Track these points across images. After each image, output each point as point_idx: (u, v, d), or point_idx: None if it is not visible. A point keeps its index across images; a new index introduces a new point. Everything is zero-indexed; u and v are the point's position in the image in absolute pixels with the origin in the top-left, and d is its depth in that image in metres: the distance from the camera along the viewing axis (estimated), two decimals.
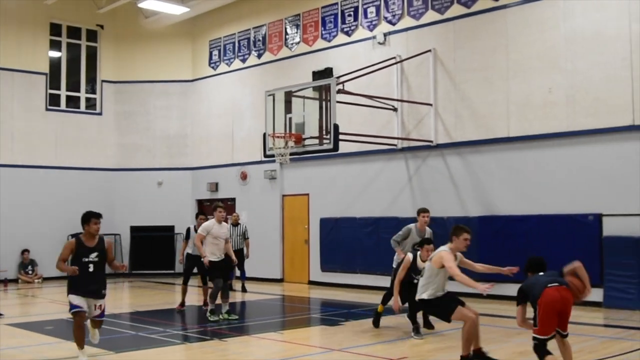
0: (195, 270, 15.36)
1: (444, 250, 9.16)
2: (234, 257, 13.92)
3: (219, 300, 13.45)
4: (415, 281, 11.20)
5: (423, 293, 9.31)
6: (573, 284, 7.78)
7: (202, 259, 13.47)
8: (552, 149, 15.61)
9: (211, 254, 13.29)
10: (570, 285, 7.73)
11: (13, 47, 23.06)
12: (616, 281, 14.44)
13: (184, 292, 15.27)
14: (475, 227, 16.60)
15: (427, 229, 12.89)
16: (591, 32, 15.08)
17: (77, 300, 9.38)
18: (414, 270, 11.45)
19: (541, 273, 7.95)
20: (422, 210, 13.00)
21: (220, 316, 13.35)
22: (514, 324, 8.45)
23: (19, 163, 22.95)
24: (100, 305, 9.64)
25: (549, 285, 7.66)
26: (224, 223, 13.60)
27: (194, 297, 16.73)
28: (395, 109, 18.42)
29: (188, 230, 15.73)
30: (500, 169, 16.45)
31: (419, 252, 11.59)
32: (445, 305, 9.03)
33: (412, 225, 12.88)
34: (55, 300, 17.41)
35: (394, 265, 12.44)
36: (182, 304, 15.17)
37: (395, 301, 11.34)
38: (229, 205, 23.39)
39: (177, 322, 13.85)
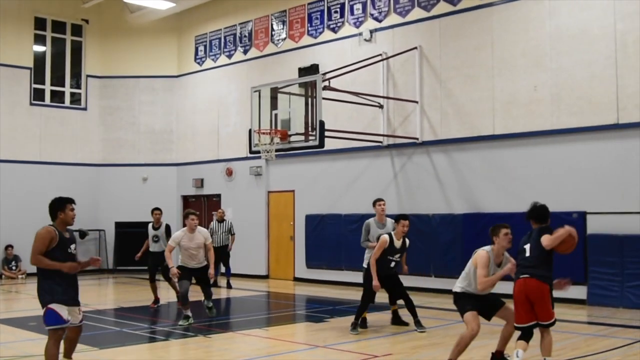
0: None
1: (483, 250, 8.90)
2: (212, 269, 12.54)
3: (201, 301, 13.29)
4: (393, 264, 11.57)
5: (457, 285, 9.04)
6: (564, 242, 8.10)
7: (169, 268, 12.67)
8: (537, 146, 15.68)
9: (185, 262, 12.49)
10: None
11: None
12: (600, 279, 14.53)
13: (154, 289, 15.18)
14: (459, 224, 16.72)
15: (388, 218, 12.66)
16: (576, 30, 15.15)
17: (64, 311, 7.65)
18: (390, 251, 11.50)
19: (535, 227, 8.36)
20: (377, 200, 12.92)
21: (205, 303, 12.74)
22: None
23: (2, 158, 22.80)
24: (81, 309, 8.10)
25: (520, 276, 8.13)
26: (197, 232, 12.37)
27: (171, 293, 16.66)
28: (381, 106, 18.44)
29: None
30: (485, 167, 16.52)
31: (393, 232, 11.61)
32: (463, 304, 8.80)
33: (370, 220, 12.75)
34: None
35: (364, 265, 12.19)
36: (156, 300, 15.10)
37: (374, 279, 11.40)
38: (214, 201, 23.39)
39: (162, 319, 13.83)
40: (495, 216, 15.95)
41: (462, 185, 16.92)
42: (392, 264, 11.63)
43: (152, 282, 15.17)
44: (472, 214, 16.59)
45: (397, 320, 12.31)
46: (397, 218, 11.82)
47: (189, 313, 12.29)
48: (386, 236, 11.58)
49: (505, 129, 16.18)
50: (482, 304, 8.74)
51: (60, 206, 8.17)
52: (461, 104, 16.99)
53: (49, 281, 7.66)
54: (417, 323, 11.62)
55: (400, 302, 12.15)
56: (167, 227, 15.41)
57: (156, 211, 15.66)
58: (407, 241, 11.89)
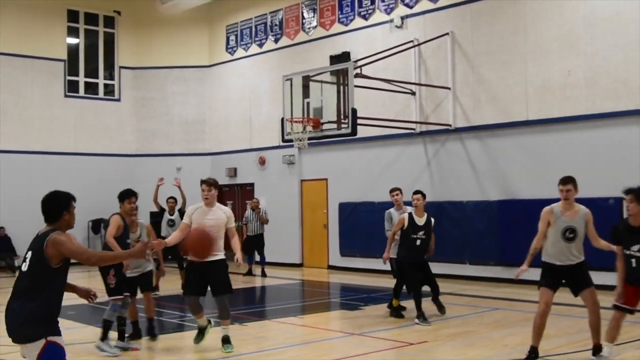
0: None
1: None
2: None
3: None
4: (419, 242, 11.36)
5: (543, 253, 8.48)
6: None
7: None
8: (572, 131, 15.51)
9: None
10: None
11: (31, 34, 23.16)
12: None
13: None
14: (494, 211, 16.61)
15: (408, 207, 12.39)
16: (611, 13, 14.93)
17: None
18: (413, 230, 11.38)
19: None
20: (391, 190, 12.88)
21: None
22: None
23: (38, 149, 23.10)
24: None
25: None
26: (217, 207, 9.53)
27: None
28: (413, 93, 18.36)
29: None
30: (519, 153, 16.37)
31: (413, 211, 11.49)
32: (541, 276, 8.36)
33: (390, 209, 12.76)
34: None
35: (393, 255, 12.19)
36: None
37: (386, 252, 11.79)
38: (247, 190, 23.49)
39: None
40: (530, 202, 15.83)
41: (496, 172, 16.80)
42: (418, 242, 11.38)
43: (181, 270, 15.17)
44: (507, 201, 16.47)
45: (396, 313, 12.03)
46: (389, 192, 12.17)
47: (204, 322, 9.59)
48: (405, 215, 11.56)
49: (539, 114, 16.02)
50: (568, 278, 8.32)
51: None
52: (494, 89, 16.85)
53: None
54: (439, 306, 11.67)
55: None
56: (181, 211, 15.55)
57: (170, 200, 16.18)
58: (433, 220, 11.63)
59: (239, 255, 9.25)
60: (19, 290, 5.53)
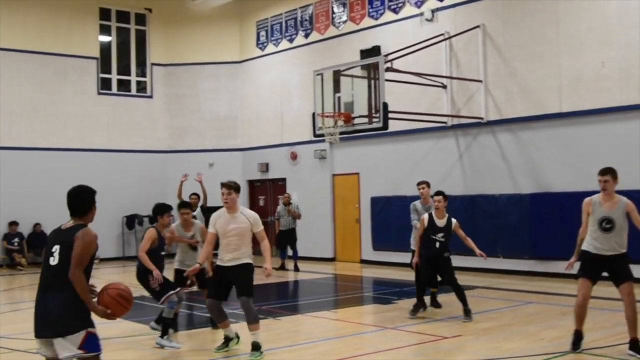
0: None
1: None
2: (269, 263, 8.73)
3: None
4: (438, 244, 11.19)
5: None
6: None
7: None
8: (606, 123, 15.35)
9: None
10: None
11: (64, 32, 23.42)
12: None
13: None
14: (527, 204, 16.51)
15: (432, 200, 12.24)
16: None
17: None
18: (432, 230, 11.24)
19: None
20: (418, 183, 12.65)
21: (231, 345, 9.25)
22: (571, 302, 8.34)
23: (71, 146, 23.37)
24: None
25: None
26: (240, 212, 8.91)
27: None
28: (444, 86, 18.28)
29: None
30: (552, 145, 16.24)
31: (433, 212, 11.39)
32: (580, 266, 8.43)
33: (416, 202, 12.52)
34: (112, 280, 17.70)
35: (411, 247, 12.24)
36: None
37: (415, 257, 11.62)
38: (279, 185, 23.56)
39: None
40: (563, 195, 15.72)
41: (529, 165, 16.69)
42: (437, 244, 11.21)
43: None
44: (540, 194, 16.35)
45: (434, 303, 12.08)
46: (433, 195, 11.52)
47: (230, 332, 9.21)
48: (425, 215, 11.46)
49: (573, 106, 15.87)
50: (607, 269, 8.35)
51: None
52: (526, 82, 16.73)
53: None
54: (466, 312, 11.01)
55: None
56: (203, 207, 15.73)
57: (193, 196, 15.91)
58: (454, 221, 11.41)
59: (267, 265, 8.67)
60: (51, 284, 5.60)
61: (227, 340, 9.10)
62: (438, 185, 18.29)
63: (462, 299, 11.13)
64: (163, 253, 9.99)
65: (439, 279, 11.66)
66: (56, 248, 5.66)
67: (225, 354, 8.91)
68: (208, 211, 13.65)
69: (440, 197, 11.27)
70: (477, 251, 11.26)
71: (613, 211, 8.31)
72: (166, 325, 9.64)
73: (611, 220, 8.28)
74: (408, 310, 11.44)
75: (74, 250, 5.57)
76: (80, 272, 5.55)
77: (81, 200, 5.98)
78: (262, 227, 8.93)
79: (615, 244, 8.28)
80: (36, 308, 5.61)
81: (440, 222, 11.32)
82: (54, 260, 5.62)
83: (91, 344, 5.60)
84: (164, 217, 10.14)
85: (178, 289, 9.91)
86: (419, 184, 12.64)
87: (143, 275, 9.80)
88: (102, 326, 10.84)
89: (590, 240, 8.42)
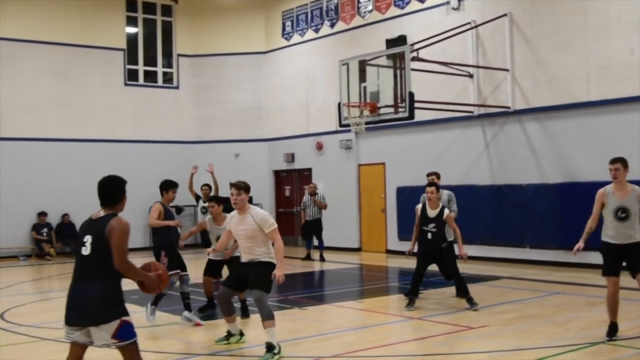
0: None
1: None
2: (280, 269, 8.25)
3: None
4: (429, 235, 11.23)
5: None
6: None
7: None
8: (635, 112, 15.15)
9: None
10: None
11: (91, 24, 23.58)
12: None
13: None
14: (554, 194, 16.38)
15: (445, 191, 12.48)
16: None
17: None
18: (424, 221, 11.30)
19: None
20: (428, 174, 12.74)
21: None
22: (598, 292, 8.29)
23: (99, 137, 23.55)
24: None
25: None
26: (249, 213, 8.43)
27: None
28: (470, 76, 18.17)
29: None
30: (581, 134, 16.08)
31: (426, 202, 11.41)
32: (603, 262, 8.70)
33: (424, 194, 12.11)
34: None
35: None
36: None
37: (411, 244, 11.69)
38: (305, 175, 23.60)
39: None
40: (591, 185, 15.51)
41: (557, 154, 16.55)
42: (429, 235, 11.22)
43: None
44: (568, 184, 16.22)
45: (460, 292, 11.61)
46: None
47: (234, 328, 8.98)
48: (419, 205, 11.57)
49: (601, 94, 15.70)
50: (626, 258, 8.56)
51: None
52: (554, 70, 16.57)
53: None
54: (469, 301, 11.06)
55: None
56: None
57: (205, 187, 16.47)
58: (446, 211, 11.32)
59: (277, 271, 8.24)
60: (84, 274, 5.68)
61: (229, 335, 8.91)
62: (465, 175, 18.29)
63: (464, 289, 11.20)
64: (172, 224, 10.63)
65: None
66: (87, 238, 5.73)
67: (235, 349, 8.92)
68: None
69: (432, 189, 11.29)
70: (461, 250, 11.19)
71: (626, 200, 8.51)
72: (157, 298, 10.35)
73: (626, 209, 8.47)
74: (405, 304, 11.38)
75: (113, 242, 5.64)
76: (126, 260, 5.68)
77: (111, 190, 6.05)
78: (273, 226, 8.32)
79: (631, 231, 8.47)
80: (69, 297, 5.70)
81: (432, 213, 11.31)
82: (86, 251, 5.71)
83: (125, 332, 5.67)
84: (169, 193, 10.82)
85: (178, 270, 10.44)
86: (428, 175, 12.70)
87: (157, 250, 10.56)
88: (132, 315, 10.94)
89: (608, 231, 8.60)
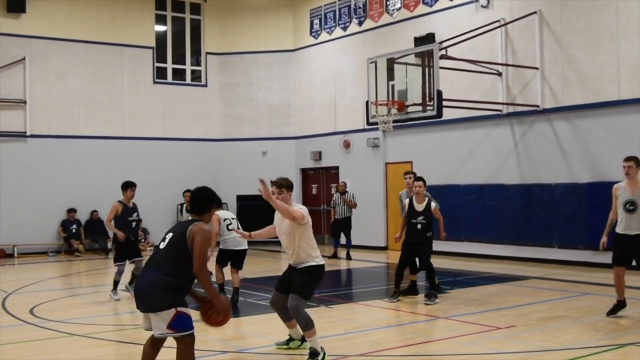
0: None
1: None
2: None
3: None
4: (419, 226, 11.96)
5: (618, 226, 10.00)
6: None
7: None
8: None
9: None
10: None
11: (121, 22, 23.75)
12: None
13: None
14: (583, 194, 16.24)
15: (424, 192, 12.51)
16: None
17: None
18: (412, 214, 11.98)
19: None
20: (404, 173, 13.48)
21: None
22: (629, 294, 8.19)
23: (128, 135, 23.72)
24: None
25: None
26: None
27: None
28: (499, 74, 18.05)
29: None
30: (610, 133, 15.92)
31: (414, 197, 12.10)
32: (613, 252, 9.97)
33: (402, 191, 13.48)
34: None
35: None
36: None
37: (398, 233, 12.59)
38: (332, 173, 23.60)
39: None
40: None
41: (586, 154, 16.39)
42: (419, 226, 11.94)
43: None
44: (597, 183, 16.05)
45: (411, 290, 12.55)
46: None
47: (295, 333, 8.57)
48: (406, 200, 12.30)
49: (632, 93, 15.52)
50: (634, 251, 9.87)
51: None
52: (584, 69, 16.42)
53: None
54: (429, 295, 11.81)
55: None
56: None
57: (187, 193, 15.90)
58: (433, 204, 12.09)
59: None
60: (152, 264, 6.23)
61: (290, 339, 8.63)
62: (493, 174, 18.18)
63: (431, 280, 12.00)
64: (130, 219, 12.86)
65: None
66: (169, 235, 6.32)
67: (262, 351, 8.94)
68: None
69: (420, 183, 12.02)
70: (442, 232, 12.42)
71: (636, 194, 9.67)
72: (115, 283, 12.76)
73: (634, 202, 9.66)
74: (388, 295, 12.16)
75: (195, 246, 6.08)
76: (205, 266, 6.11)
77: (202, 200, 6.52)
78: (303, 222, 7.99)
79: (638, 223, 9.65)
80: (139, 283, 6.28)
81: (420, 207, 12.01)
82: (163, 244, 6.28)
83: (180, 323, 6.05)
84: (127, 192, 12.83)
85: (126, 260, 12.81)
86: (405, 174, 13.44)
87: (116, 239, 12.80)
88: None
89: (619, 222, 9.84)
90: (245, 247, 12.21)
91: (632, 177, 9.78)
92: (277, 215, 8.25)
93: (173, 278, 6.07)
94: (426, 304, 11.52)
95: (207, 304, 6.34)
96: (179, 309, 6.06)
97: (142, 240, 22.98)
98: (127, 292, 12.82)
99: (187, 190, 15.60)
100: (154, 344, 6.34)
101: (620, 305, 10.04)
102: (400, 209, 13.16)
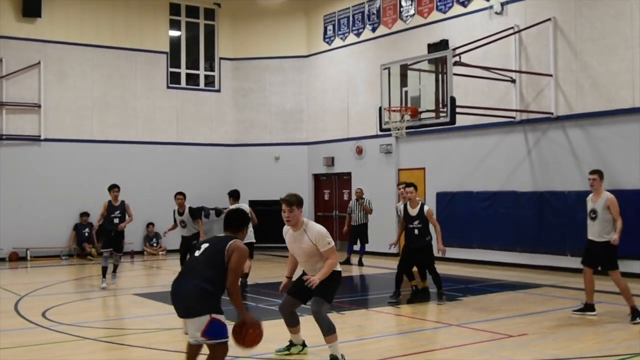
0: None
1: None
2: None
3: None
4: (416, 231, 12.43)
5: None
6: None
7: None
8: None
9: None
10: None
11: (135, 27, 23.85)
12: None
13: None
14: None
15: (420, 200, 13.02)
16: None
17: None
18: (407, 219, 12.50)
19: None
20: (397, 185, 14.17)
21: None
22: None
23: (141, 139, 23.80)
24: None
25: None
26: (304, 229, 8.04)
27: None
28: (513, 81, 18.01)
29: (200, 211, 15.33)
30: (624, 141, 15.84)
31: (407, 202, 12.61)
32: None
33: (399, 203, 13.94)
34: (178, 270, 17.96)
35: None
36: None
37: (396, 239, 13.75)
38: (344, 180, 23.59)
39: None
40: (635, 193, 15.34)
41: (600, 161, 16.28)
42: (416, 231, 12.41)
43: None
44: (610, 191, 15.86)
45: (420, 296, 12.99)
46: None
47: (297, 339, 8.67)
48: (400, 205, 12.98)
49: None
50: (596, 255, 11.02)
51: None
52: (598, 76, 16.35)
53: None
54: (439, 295, 12.38)
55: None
56: (191, 210, 15.30)
57: (179, 196, 15.53)
58: (426, 208, 12.53)
59: (316, 277, 7.81)
60: (189, 272, 6.50)
61: (291, 345, 8.57)
62: (506, 181, 18.13)
63: (438, 284, 12.47)
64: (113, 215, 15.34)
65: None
66: (205, 245, 6.61)
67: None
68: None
69: (411, 189, 12.53)
70: (440, 245, 12.56)
71: (597, 204, 10.76)
72: (103, 270, 15.08)
73: (596, 211, 10.74)
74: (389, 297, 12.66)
75: (232, 262, 6.38)
76: (237, 282, 6.42)
77: (238, 220, 6.88)
78: (329, 246, 7.89)
79: (597, 231, 10.71)
80: (171, 291, 6.53)
81: (414, 211, 12.46)
82: (198, 253, 6.58)
83: (214, 331, 6.28)
84: (111, 192, 15.52)
85: (110, 249, 15.27)
86: (399, 184, 14.19)
87: (100, 232, 16.10)
88: (170, 316, 11.03)
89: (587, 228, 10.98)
90: (253, 240, 14.84)
91: (596, 188, 10.83)
92: (287, 237, 8.13)
93: (210, 285, 6.31)
94: (438, 304, 12.04)
95: (239, 325, 6.55)
96: (214, 315, 6.27)
97: (155, 245, 23.11)
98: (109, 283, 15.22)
99: (179, 193, 15.65)
100: (191, 351, 6.59)
101: (588, 307, 10.83)
102: (397, 221, 13.59)
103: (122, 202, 15.57)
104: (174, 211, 15.53)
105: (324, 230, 8.04)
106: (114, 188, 15.65)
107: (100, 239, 16.06)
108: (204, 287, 6.27)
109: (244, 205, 15.36)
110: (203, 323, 6.22)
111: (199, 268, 6.42)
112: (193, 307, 6.27)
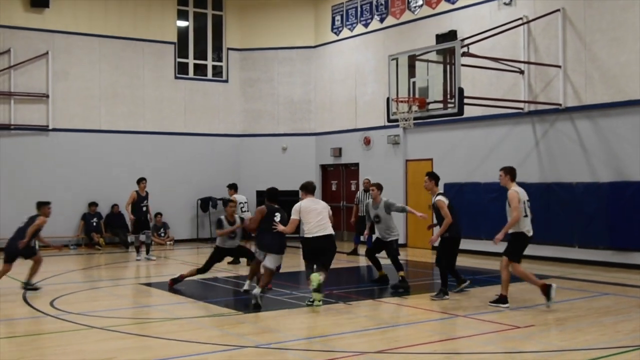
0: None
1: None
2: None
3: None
4: (377, 221, 13.77)
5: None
6: None
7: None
8: None
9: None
10: None
11: (143, 18, 23.84)
12: None
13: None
14: (605, 193, 16.13)
15: (381, 198, 13.92)
16: None
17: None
18: (368, 216, 14.04)
19: None
20: (369, 184, 15.45)
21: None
22: None
23: (149, 130, 23.84)
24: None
25: None
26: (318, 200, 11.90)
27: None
28: (521, 72, 17.96)
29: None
30: (633, 133, 15.79)
31: (370, 201, 13.99)
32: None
33: (368, 201, 14.51)
34: (186, 261, 18.06)
35: None
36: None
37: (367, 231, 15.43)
38: (352, 170, 23.58)
39: (303, 285, 14.08)
40: None
41: (608, 153, 16.27)
42: (377, 221, 13.72)
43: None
44: (619, 183, 15.94)
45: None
46: None
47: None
48: (370, 201, 14.11)
49: None
50: None
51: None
52: (607, 67, 16.29)
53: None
54: (401, 281, 13.38)
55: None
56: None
57: (142, 182, 18.71)
58: (386, 202, 13.73)
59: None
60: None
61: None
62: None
63: (397, 267, 13.64)
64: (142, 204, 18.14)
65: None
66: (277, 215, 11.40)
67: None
68: None
69: (374, 187, 13.91)
70: (418, 214, 14.35)
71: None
72: (137, 248, 18.74)
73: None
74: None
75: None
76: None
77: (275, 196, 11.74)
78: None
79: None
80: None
81: (375, 205, 13.75)
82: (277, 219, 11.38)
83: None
84: (140, 184, 18.34)
85: (139, 233, 18.43)
86: (369, 184, 15.51)
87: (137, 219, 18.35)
88: (178, 306, 11.08)
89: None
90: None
91: (505, 184, 11.23)
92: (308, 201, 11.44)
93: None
94: (432, 299, 12.06)
95: None
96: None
97: (162, 235, 23.16)
98: (150, 260, 18.30)
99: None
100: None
101: (502, 299, 11.02)
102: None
103: (147, 192, 18.59)
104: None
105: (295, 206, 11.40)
106: (142, 180, 18.48)
107: (134, 224, 18.53)
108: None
109: (241, 196, 18.34)
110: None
111: None
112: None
